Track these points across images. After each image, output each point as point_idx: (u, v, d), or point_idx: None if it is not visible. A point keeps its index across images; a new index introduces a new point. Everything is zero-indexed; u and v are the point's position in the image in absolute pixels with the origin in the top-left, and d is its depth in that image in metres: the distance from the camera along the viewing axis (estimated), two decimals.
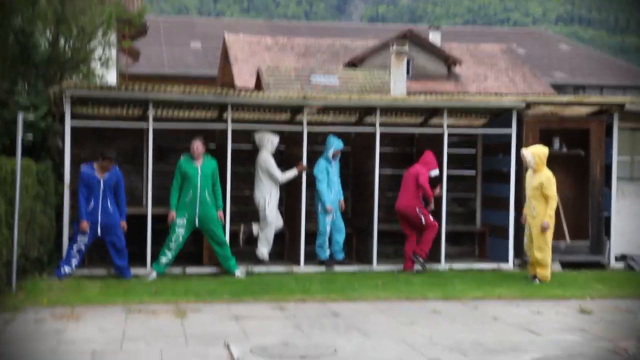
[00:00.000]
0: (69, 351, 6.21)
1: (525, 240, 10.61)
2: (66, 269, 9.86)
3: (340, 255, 11.32)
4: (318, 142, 11.78)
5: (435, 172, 11.19)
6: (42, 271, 9.88)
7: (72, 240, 9.95)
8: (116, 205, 10.07)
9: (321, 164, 11.19)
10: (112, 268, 10.26)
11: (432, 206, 11.15)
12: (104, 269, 10.41)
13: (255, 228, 11.25)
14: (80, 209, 9.89)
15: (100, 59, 12.74)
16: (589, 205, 11.91)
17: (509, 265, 11.57)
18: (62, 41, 12.04)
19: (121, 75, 20.79)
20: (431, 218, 11.09)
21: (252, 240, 11.33)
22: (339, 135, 11.45)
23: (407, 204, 11.02)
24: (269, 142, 11.08)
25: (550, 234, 10.33)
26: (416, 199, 11.03)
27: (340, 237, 11.32)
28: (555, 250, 11.63)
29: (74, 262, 9.90)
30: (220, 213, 10.42)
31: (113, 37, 13.37)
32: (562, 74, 37.97)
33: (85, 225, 9.83)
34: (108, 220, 9.99)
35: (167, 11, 72.64)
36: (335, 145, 11.20)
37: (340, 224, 11.33)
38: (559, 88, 33.94)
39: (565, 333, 7.17)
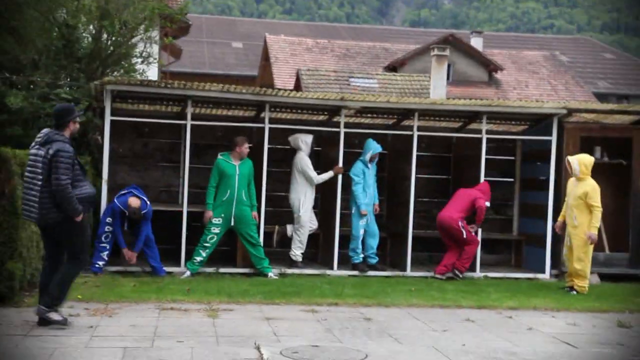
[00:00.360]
0: (101, 347, 6.24)
1: (565, 250, 10.42)
2: (100, 263, 9.97)
3: (374, 260, 11.24)
4: (355, 144, 11.73)
5: (488, 204, 11.11)
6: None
7: (98, 235, 10.03)
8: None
9: (358, 166, 11.13)
10: (146, 265, 10.31)
11: (476, 229, 11.07)
12: (139, 266, 10.47)
13: (289, 229, 11.23)
14: (117, 239, 10.13)
15: (141, 55, 12.84)
16: (630, 216, 11.67)
17: (546, 275, 11.39)
18: (104, 36, 12.18)
19: (162, 73, 21.00)
20: (472, 233, 10.98)
21: (285, 242, 11.32)
22: (376, 137, 11.38)
23: (451, 216, 10.87)
24: (303, 143, 11.07)
25: (592, 245, 10.14)
26: (461, 214, 10.88)
27: (373, 242, 11.24)
28: (594, 261, 11.39)
29: (105, 254, 9.99)
30: (255, 213, 10.43)
31: (155, 33, 13.48)
32: (606, 83, 37.40)
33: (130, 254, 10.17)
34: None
35: (210, 10, 73.23)
36: (373, 148, 11.13)
37: (375, 228, 11.25)
38: (602, 97, 33.41)
39: (602, 346, 7.01)
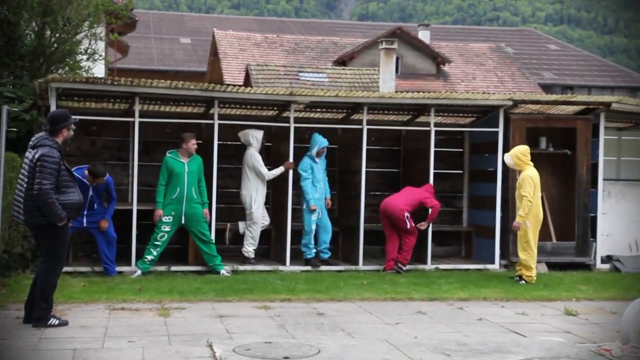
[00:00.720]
0: (50, 349, 6.14)
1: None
2: None
3: (326, 255, 11.28)
4: (305, 139, 11.73)
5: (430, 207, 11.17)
6: (26, 267, 9.78)
7: None
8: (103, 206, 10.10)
9: (305, 161, 11.14)
10: (96, 265, 10.17)
11: (426, 226, 11.16)
12: (88, 266, 10.33)
13: (241, 226, 11.20)
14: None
15: (87, 51, 12.63)
16: (575, 206, 11.91)
17: (495, 265, 11.57)
18: (48, 33, 11.94)
19: (109, 70, 20.66)
20: (415, 227, 11.05)
21: (238, 239, 11.27)
22: (326, 132, 11.40)
23: (397, 206, 10.92)
24: (253, 139, 11.04)
25: (533, 234, 10.32)
26: (407, 207, 10.93)
27: (326, 236, 11.28)
28: (541, 251, 11.62)
29: None
30: (206, 211, 10.37)
31: (100, 30, 13.26)
32: (551, 74, 38.05)
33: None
34: (94, 219, 10.00)
35: (158, 6, 72.37)
36: (319, 142, 11.15)
37: (327, 222, 11.29)
38: (548, 88, 33.99)
39: (551, 335, 7.16)
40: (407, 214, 10.91)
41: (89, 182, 9.95)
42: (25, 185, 6.85)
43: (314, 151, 11.14)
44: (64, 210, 6.80)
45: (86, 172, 9.99)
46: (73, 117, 7.21)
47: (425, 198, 11.04)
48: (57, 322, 6.90)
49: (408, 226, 10.91)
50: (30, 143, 6.99)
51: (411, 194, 11.11)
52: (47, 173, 6.72)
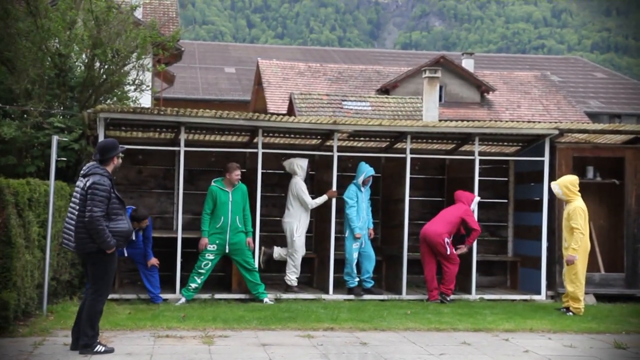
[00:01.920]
0: None
1: (564, 271, 10.44)
2: None
3: (369, 284, 11.20)
4: (348, 168, 11.76)
5: (476, 201, 11.17)
6: (73, 294, 9.93)
7: None
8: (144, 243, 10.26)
9: (352, 189, 11.15)
10: (141, 292, 10.29)
11: (465, 249, 11.06)
12: (134, 293, 10.44)
13: (276, 251, 11.21)
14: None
15: (134, 82, 12.88)
16: (624, 237, 11.69)
17: (542, 296, 11.38)
18: (97, 64, 12.21)
19: (155, 100, 21.04)
20: (456, 252, 10.96)
21: (271, 263, 11.27)
22: (370, 161, 11.41)
23: (436, 231, 10.86)
24: (298, 168, 11.09)
25: (581, 266, 10.14)
26: (447, 231, 10.87)
27: (370, 265, 11.21)
28: (589, 282, 11.43)
29: None
30: (250, 240, 10.42)
31: (147, 61, 13.52)
32: (598, 102, 37.60)
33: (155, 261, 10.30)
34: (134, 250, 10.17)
35: (203, 36, 73.65)
36: (366, 171, 11.15)
37: (371, 251, 11.24)
38: (594, 116, 33.57)
39: None
40: (447, 239, 10.82)
41: (133, 227, 10.07)
42: (76, 213, 7.00)
43: (360, 179, 11.13)
44: (113, 238, 6.92)
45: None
46: (121, 146, 7.36)
47: (467, 215, 10.93)
48: (104, 349, 6.97)
49: (448, 252, 10.82)
50: (82, 172, 7.15)
51: (449, 214, 11.02)
52: (98, 201, 6.86)
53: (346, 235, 11.13)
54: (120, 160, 7.38)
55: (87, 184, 6.94)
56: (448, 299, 10.83)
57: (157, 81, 22.82)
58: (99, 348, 6.95)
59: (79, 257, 7.30)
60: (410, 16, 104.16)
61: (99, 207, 6.86)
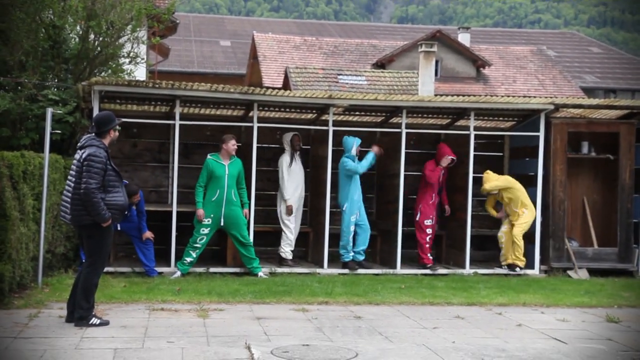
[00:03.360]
0: (91, 348, 6.23)
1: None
2: None
3: (361, 257, 11.21)
4: None
5: (446, 161, 11.44)
6: (68, 267, 9.95)
7: None
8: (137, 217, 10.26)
9: (349, 159, 11.09)
10: (136, 265, 10.32)
11: (447, 211, 11.67)
12: (129, 266, 10.47)
13: (284, 253, 11.20)
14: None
15: (129, 55, 12.81)
16: (618, 212, 11.74)
17: (535, 271, 11.44)
18: (91, 36, 12.13)
19: (150, 73, 20.91)
20: (428, 222, 11.39)
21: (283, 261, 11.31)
22: (365, 135, 11.38)
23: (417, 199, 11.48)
24: (284, 143, 11.19)
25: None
26: (421, 196, 11.46)
27: (365, 237, 11.16)
28: (582, 256, 11.55)
29: None
30: (246, 211, 10.44)
31: (142, 33, 13.44)
32: (593, 77, 37.55)
33: (149, 235, 10.34)
34: (129, 224, 10.17)
35: (198, 9, 73.09)
36: (355, 141, 11.09)
37: (366, 223, 11.19)
38: (590, 91, 33.54)
39: (592, 342, 7.06)
40: (420, 205, 11.47)
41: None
42: (72, 185, 6.98)
43: (353, 151, 11.08)
44: (108, 211, 6.91)
45: None
46: (117, 119, 7.33)
47: (425, 169, 11.54)
48: (99, 321, 7.00)
49: (417, 218, 11.46)
50: (78, 144, 7.14)
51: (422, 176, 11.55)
52: (93, 172, 6.85)
53: (344, 208, 11.09)
54: (117, 133, 7.36)
55: (83, 156, 6.92)
56: (429, 267, 11.25)
57: (152, 54, 22.67)
58: (94, 320, 6.98)
59: (75, 230, 7.29)
60: None
61: (94, 178, 6.84)
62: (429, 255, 11.37)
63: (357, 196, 11.13)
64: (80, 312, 6.98)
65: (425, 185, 11.51)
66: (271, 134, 11.51)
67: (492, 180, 11.56)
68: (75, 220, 7.03)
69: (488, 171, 11.76)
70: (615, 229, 11.79)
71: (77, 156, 7.05)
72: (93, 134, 7.12)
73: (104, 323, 7.02)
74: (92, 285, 7.07)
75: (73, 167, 7.06)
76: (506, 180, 11.54)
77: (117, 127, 7.33)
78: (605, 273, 11.54)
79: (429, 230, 11.42)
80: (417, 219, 11.45)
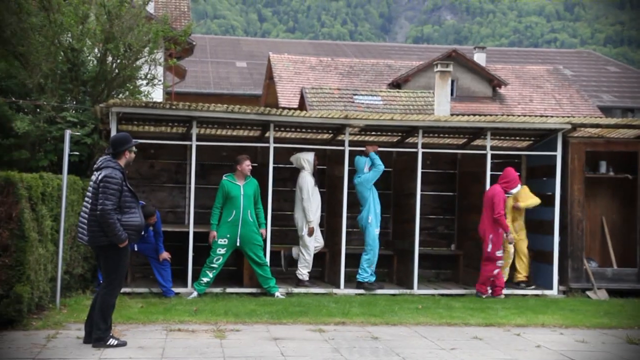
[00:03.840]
0: None
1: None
2: None
3: (373, 278, 11.11)
4: None
5: (515, 190, 11.12)
6: (86, 288, 9.99)
7: None
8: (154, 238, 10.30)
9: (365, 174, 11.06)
10: (153, 286, 10.34)
11: (511, 237, 11.12)
12: (146, 287, 10.49)
13: (295, 251, 11.22)
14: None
15: (146, 76, 12.92)
16: (637, 231, 11.63)
17: (554, 291, 11.34)
18: (109, 59, 12.25)
19: (167, 94, 21.07)
20: (498, 253, 10.87)
21: (293, 264, 11.31)
22: (381, 155, 11.37)
23: (482, 228, 10.95)
24: (305, 162, 11.09)
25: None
26: (491, 225, 10.86)
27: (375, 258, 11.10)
28: (601, 277, 11.46)
29: None
30: (263, 230, 10.43)
31: (159, 55, 13.55)
32: (611, 96, 37.39)
33: (166, 255, 10.32)
34: (145, 246, 10.20)
35: (215, 31, 73.70)
36: (365, 160, 11.05)
37: (377, 242, 11.14)
38: (607, 110, 33.39)
39: None
40: (491, 236, 10.83)
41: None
42: (89, 207, 7.03)
43: (366, 168, 11.04)
44: (124, 232, 6.95)
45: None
46: (134, 140, 7.38)
47: (494, 195, 10.89)
48: (116, 342, 7.01)
49: (489, 249, 10.84)
50: (95, 166, 7.20)
51: (487, 202, 10.95)
52: (109, 194, 6.90)
53: (370, 221, 11.01)
54: (133, 155, 7.41)
55: (99, 177, 6.98)
56: (483, 297, 10.85)
57: (169, 75, 22.85)
58: (112, 342, 6.99)
59: (92, 251, 7.33)
60: (422, 10, 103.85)
61: (111, 200, 6.89)
62: (488, 287, 11.02)
63: (379, 209, 11.06)
64: (98, 333, 7.00)
65: (492, 214, 10.90)
66: (287, 154, 11.53)
67: (530, 199, 11.47)
68: (92, 241, 7.07)
69: (525, 186, 11.65)
70: (634, 248, 11.68)
71: (93, 177, 7.11)
72: (109, 155, 7.18)
73: (122, 344, 7.03)
74: (110, 306, 7.09)
75: (90, 188, 7.12)
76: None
77: (134, 148, 7.38)
78: (625, 294, 11.42)
79: (499, 263, 10.91)
80: (489, 250, 10.85)
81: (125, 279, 10.56)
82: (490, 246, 10.82)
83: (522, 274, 11.65)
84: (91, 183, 7.13)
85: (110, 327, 7.11)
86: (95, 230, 6.98)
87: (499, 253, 10.85)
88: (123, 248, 7.02)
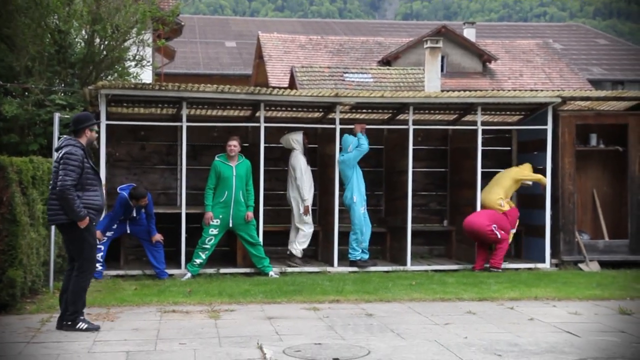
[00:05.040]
0: (104, 351, 6.24)
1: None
2: (98, 267, 9.97)
3: (366, 255, 11.14)
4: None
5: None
6: None
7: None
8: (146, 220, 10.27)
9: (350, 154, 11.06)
10: (147, 268, 10.34)
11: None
12: (139, 269, 10.49)
13: (295, 249, 11.13)
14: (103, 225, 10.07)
15: (135, 58, 12.83)
16: (628, 203, 11.69)
17: (546, 264, 11.41)
18: (97, 40, 12.16)
19: (156, 75, 20.96)
20: (505, 232, 11.12)
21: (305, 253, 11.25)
22: (372, 132, 11.36)
23: (482, 224, 11.00)
24: (294, 142, 11.08)
25: None
26: (490, 218, 11.05)
27: (367, 234, 11.13)
28: (593, 249, 11.51)
29: (100, 256, 9.86)
30: (250, 213, 10.39)
31: (148, 36, 13.47)
32: (601, 69, 37.39)
33: (99, 235, 9.75)
34: (137, 227, 10.18)
35: (203, 10, 73.12)
36: (355, 139, 11.04)
37: (367, 220, 11.18)
38: (597, 83, 33.38)
39: (604, 334, 7.03)
40: (494, 227, 10.94)
41: (133, 204, 10.07)
42: (51, 185, 6.95)
43: (350, 149, 11.00)
44: (84, 209, 6.82)
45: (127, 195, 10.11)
46: (95, 120, 7.31)
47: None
48: (86, 326, 6.89)
49: (499, 237, 10.96)
50: (56, 146, 7.12)
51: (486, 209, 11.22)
52: (69, 170, 6.77)
53: (354, 200, 11.02)
54: (95, 134, 7.27)
55: (60, 154, 6.88)
56: (501, 270, 10.98)
57: (158, 56, 22.71)
58: (81, 325, 6.88)
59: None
60: None
61: (70, 176, 6.74)
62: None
63: (363, 188, 11.09)
64: (67, 317, 6.91)
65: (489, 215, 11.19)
66: (278, 134, 11.51)
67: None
68: (52, 219, 6.95)
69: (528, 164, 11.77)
70: (625, 220, 11.75)
71: (55, 156, 7.00)
72: (70, 134, 7.09)
73: (93, 328, 6.89)
74: (80, 290, 6.95)
75: (53, 168, 6.98)
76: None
77: (95, 127, 7.29)
78: (617, 265, 11.50)
79: (510, 235, 11.27)
80: (499, 237, 11.04)
81: (118, 261, 10.60)
82: (498, 234, 10.96)
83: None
84: (54, 162, 7.00)
85: (79, 311, 6.95)
86: (55, 209, 6.83)
87: (505, 231, 11.07)
88: (86, 228, 6.84)
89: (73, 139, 7.01)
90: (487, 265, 11.06)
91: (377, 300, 8.67)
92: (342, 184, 11.19)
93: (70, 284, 7.00)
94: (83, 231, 6.88)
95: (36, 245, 8.28)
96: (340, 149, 11.11)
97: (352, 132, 11.12)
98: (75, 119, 7.21)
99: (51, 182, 7.02)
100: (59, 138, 9.27)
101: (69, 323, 6.92)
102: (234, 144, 10.29)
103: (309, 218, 11.08)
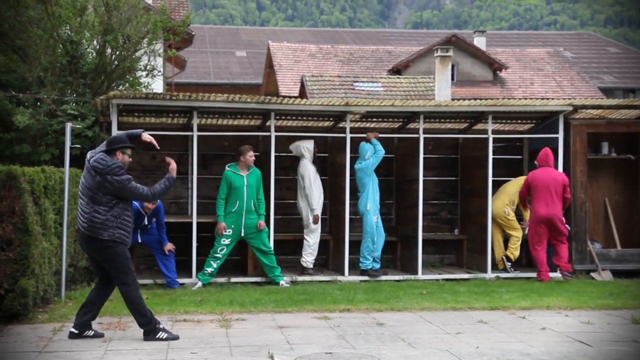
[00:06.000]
0: None
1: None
2: None
3: (377, 265, 11.10)
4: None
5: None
6: (91, 280, 10.00)
7: None
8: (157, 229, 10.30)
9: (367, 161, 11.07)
10: (158, 277, 10.36)
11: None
12: (151, 278, 10.51)
13: (305, 262, 11.11)
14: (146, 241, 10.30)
15: (146, 68, 12.89)
16: None
17: (558, 274, 11.34)
18: (108, 51, 12.23)
19: (167, 85, 21.03)
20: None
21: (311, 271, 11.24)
22: (383, 141, 11.36)
23: (552, 213, 10.87)
24: (304, 150, 11.08)
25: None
26: (561, 207, 10.99)
27: (380, 243, 11.10)
28: (606, 258, 11.46)
29: None
30: (262, 222, 10.42)
31: (159, 46, 13.53)
32: (612, 77, 37.27)
33: (170, 247, 10.26)
34: (148, 236, 10.20)
35: (213, 20, 73.46)
36: (371, 147, 11.06)
37: (381, 228, 11.16)
38: (608, 91, 33.28)
39: (617, 344, 6.98)
40: (564, 219, 11.00)
41: (143, 209, 10.10)
42: (85, 200, 6.92)
43: (367, 156, 11.01)
44: (119, 230, 6.86)
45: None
46: (130, 143, 7.23)
47: (565, 182, 11.04)
48: (166, 335, 6.92)
49: (569, 229, 11.03)
50: (92, 162, 6.99)
51: (554, 186, 10.91)
52: (124, 179, 6.87)
53: (367, 208, 11.00)
54: (126, 157, 7.18)
55: (92, 162, 6.87)
56: (570, 275, 10.96)
57: (169, 66, 22.81)
58: (161, 335, 6.92)
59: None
60: None
61: (130, 182, 6.91)
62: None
63: (378, 197, 11.08)
64: (143, 327, 6.96)
65: (561, 198, 11.07)
66: (289, 143, 11.52)
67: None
68: (90, 234, 6.90)
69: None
70: (637, 229, 11.70)
71: (89, 170, 6.93)
72: (103, 153, 7.03)
73: (172, 338, 6.91)
74: (136, 299, 6.98)
75: (83, 181, 6.95)
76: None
77: (128, 151, 7.17)
78: (630, 274, 11.43)
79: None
80: (569, 229, 11.13)
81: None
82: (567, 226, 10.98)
83: (513, 254, 11.68)
84: (84, 179, 6.94)
85: (151, 319, 6.98)
86: (93, 223, 6.81)
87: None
88: (119, 246, 6.87)
89: (107, 156, 6.96)
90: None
91: (388, 309, 8.65)
92: (352, 193, 11.18)
93: (125, 300, 7.01)
94: (115, 251, 6.87)
95: (48, 255, 8.31)
96: (356, 158, 11.12)
97: (366, 140, 11.13)
98: (109, 139, 7.27)
99: (81, 191, 6.98)
100: (70, 148, 9.34)
101: (148, 332, 6.93)
102: (250, 154, 10.34)
103: (317, 227, 11.06)
